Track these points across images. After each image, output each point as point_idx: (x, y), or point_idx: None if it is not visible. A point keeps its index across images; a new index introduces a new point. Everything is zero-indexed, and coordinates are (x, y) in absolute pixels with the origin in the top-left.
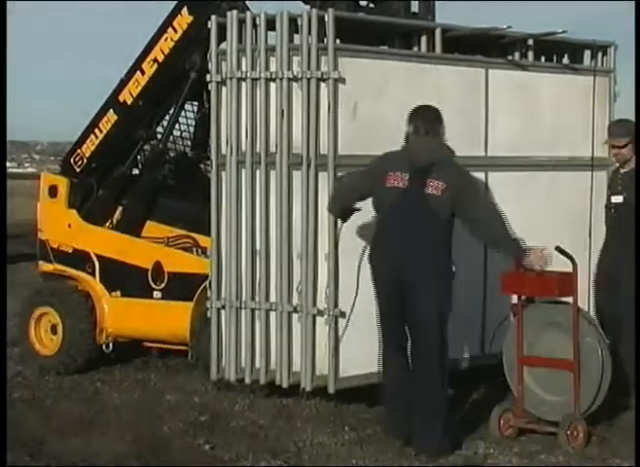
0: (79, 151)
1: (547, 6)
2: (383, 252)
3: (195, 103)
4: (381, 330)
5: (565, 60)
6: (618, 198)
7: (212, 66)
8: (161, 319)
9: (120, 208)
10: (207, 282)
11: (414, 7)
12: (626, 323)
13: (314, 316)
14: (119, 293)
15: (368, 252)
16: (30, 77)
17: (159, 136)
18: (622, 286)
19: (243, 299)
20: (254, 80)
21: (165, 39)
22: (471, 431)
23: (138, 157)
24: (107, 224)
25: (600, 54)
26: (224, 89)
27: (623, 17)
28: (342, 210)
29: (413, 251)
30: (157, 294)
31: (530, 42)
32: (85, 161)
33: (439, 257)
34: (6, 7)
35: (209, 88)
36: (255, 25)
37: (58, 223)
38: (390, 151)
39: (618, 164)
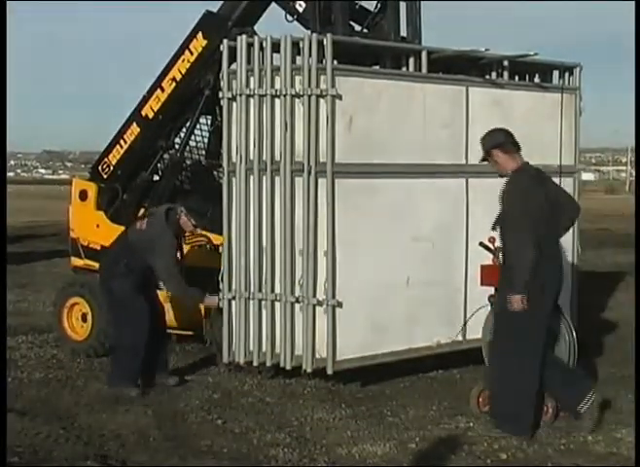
0: (106, 159)
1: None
2: None
3: (209, 117)
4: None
5: (536, 79)
6: None
7: (224, 84)
8: (179, 308)
9: (142, 210)
10: (219, 275)
11: (403, 32)
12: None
13: (314, 306)
14: None
15: None
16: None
17: (176, 146)
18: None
19: (251, 290)
20: (261, 96)
21: (183, 60)
22: (453, 407)
23: (158, 164)
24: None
25: (567, 74)
26: (234, 104)
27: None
28: None
29: None
30: None
31: (505, 63)
32: (111, 168)
33: None
34: (6, 7)
35: (221, 103)
36: (262, 48)
37: (88, 223)
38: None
39: None
